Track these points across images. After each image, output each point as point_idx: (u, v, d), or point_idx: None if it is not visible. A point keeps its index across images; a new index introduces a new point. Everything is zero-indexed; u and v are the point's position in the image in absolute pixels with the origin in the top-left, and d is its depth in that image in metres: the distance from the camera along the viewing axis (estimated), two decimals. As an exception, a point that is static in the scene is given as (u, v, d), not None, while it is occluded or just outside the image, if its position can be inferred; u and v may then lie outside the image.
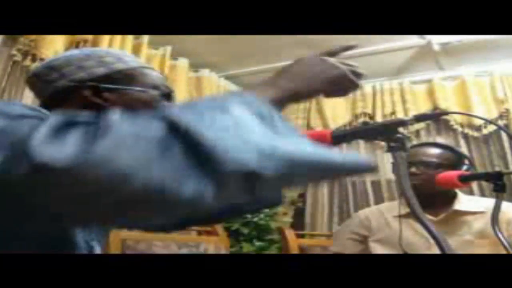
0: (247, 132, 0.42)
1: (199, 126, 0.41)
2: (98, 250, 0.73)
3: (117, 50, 0.87)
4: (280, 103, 0.53)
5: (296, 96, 0.57)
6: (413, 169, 1.41)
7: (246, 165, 0.40)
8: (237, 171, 0.40)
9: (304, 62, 0.60)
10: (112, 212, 0.43)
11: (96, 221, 0.53)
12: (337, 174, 0.54)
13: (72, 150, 0.38)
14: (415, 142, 2.67)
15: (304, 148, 0.45)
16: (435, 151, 1.45)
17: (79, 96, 0.77)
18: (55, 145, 0.38)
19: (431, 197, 1.37)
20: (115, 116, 0.41)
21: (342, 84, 0.62)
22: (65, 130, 0.40)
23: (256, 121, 0.44)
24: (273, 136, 0.44)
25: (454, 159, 1.44)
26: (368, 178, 2.88)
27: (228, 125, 0.42)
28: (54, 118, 0.42)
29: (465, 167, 1.39)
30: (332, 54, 0.64)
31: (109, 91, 0.78)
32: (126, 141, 0.39)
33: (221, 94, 0.57)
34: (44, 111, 0.62)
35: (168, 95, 0.85)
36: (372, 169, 0.49)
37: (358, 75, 0.62)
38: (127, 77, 0.81)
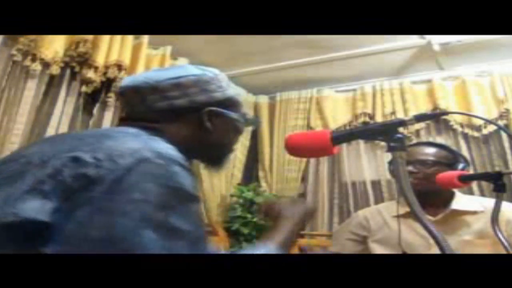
0: None
1: None
2: None
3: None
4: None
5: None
6: (410, 168, 1.41)
7: None
8: None
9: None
10: None
11: None
12: None
13: None
14: (414, 142, 2.67)
15: None
16: (431, 150, 1.46)
17: (193, 118, 0.80)
18: None
19: (428, 196, 1.37)
20: None
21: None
22: None
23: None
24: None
25: (449, 157, 1.44)
26: (368, 178, 2.88)
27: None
28: None
29: (461, 166, 1.40)
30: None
31: (217, 116, 0.82)
32: None
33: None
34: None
35: (252, 123, 0.92)
36: None
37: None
38: (232, 104, 0.86)
